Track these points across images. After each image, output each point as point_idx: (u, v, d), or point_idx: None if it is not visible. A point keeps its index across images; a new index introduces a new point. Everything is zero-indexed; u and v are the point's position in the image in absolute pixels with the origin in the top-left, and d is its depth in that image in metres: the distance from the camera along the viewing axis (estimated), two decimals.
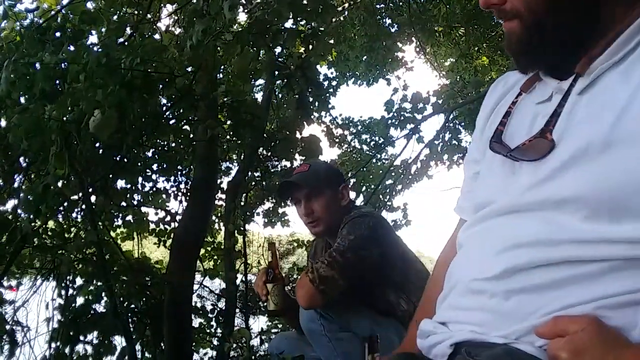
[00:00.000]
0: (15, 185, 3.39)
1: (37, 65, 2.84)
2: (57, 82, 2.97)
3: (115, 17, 3.57)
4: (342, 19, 7.28)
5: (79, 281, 3.73)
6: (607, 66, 0.78)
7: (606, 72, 0.78)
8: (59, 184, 3.05)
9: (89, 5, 3.58)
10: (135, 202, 4.40)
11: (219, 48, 3.47)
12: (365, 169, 6.83)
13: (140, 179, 4.25)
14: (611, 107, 0.74)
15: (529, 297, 0.76)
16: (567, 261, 0.73)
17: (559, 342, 0.70)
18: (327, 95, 5.98)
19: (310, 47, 3.82)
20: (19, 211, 3.20)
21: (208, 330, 4.58)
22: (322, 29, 3.79)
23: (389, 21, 8.08)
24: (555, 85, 0.85)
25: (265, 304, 2.13)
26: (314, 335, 2.02)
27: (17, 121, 2.79)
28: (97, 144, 3.33)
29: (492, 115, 0.98)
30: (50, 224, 3.56)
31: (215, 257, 4.91)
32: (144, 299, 3.91)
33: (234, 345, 3.94)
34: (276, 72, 4.09)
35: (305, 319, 2.02)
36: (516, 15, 0.82)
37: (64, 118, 2.83)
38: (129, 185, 4.17)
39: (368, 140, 7.52)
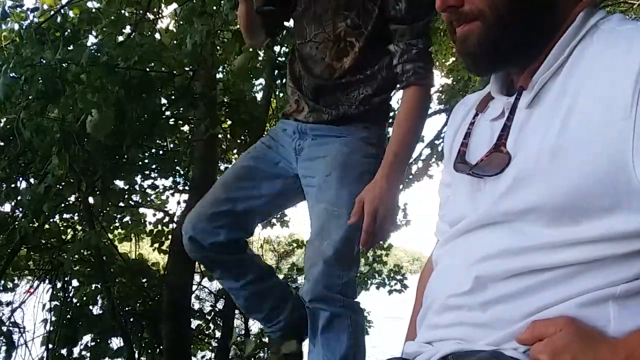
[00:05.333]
0: (13, 186, 3.37)
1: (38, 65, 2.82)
2: (57, 82, 2.95)
3: (114, 17, 3.55)
4: None
5: (74, 283, 3.72)
6: (547, 77, 0.80)
7: (547, 84, 0.81)
8: (59, 184, 3.04)
9: (89, 4, 3.56)
10: (132, 203, 4.39)
11: (218, 47, 3.45)
12: None
13: (138, 179, 4.23)
14: (555, 118, 0.77)
15: (505, 307, 0.77)
16: (536, 269, 0.76)
17: (538, 345, 0.72)
18: None
19: None
20: (18, 212, 3.18)
21: (207, 332, 4.56)
22: None
23: None
24: (506, 101, 0.87)
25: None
26: None
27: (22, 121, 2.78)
28: (97, 145, 3.31)
29: (455, 138, 1.00)
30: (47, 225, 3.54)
31: None
32: (141, 300, 3.90)
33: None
34: (276, 71, 4.07)
35: None
36: (477, 16, 0.82)
37: (64, 118, 2.82)
38: (126, 186, 4.15)
39: None
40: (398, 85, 1.60)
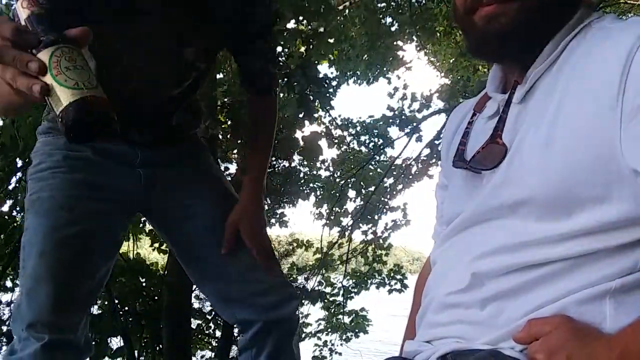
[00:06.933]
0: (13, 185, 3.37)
1: None
2: None
3: None
4: (342, 18, 7.25)
5: None
6: (540, 72, 0.81)
7: (540, 78, 0.82)
8: None
9: None
10: None
11: None
12: (364, 169, 6.81)
13: None
14: (546, 112, 0.77)
15: (502, 304, 0.78)
16: (530, 265, 0.76)
17: (535, 345, 0.72)
18: (328, 93, 5.97)
19: (311, 46, 3.81)
20: (16, 212, 3.18)
21: (207, 332, 4.56)
22: (322, 29, 3.78)
23: (389, 20, 8.05)
24: (500, 98, 0.88)
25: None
26: None
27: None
28: None
29: (453, 140, 1.01)
30: None
31: None
32: (141, 300, 3.89)
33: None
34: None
35: None
36: None
37: None
38: None
39: (367, 141, 7.48)
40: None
